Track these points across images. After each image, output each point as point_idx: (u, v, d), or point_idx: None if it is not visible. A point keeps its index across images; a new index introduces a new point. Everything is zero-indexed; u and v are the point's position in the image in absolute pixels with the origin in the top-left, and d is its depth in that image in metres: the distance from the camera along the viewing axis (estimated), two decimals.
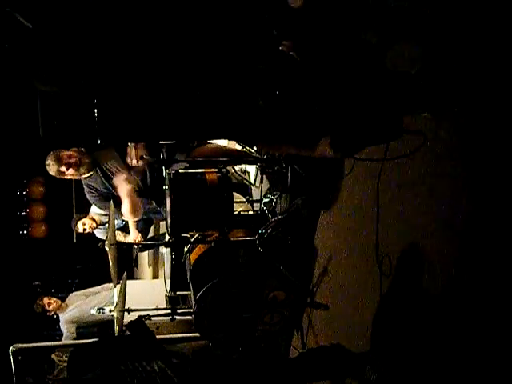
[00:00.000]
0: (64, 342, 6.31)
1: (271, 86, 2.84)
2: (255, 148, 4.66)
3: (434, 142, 3.01)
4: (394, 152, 3.30)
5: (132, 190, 4.92)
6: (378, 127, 2.99)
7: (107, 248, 4.69)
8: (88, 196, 5.36)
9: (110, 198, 5.06)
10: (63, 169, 4.95)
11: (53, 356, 5.35)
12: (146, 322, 4.74)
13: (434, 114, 2.95)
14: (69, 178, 5.13)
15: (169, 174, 4.17)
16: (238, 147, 4.91)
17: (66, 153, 4.92)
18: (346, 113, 2.90)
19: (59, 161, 4.93)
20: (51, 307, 6.85)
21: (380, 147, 3.36)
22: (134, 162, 4.84)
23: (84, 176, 5.09)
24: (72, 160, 4.95)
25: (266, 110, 2.83)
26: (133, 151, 4.83)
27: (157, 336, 4.94)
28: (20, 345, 5.28)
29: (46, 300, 6.88)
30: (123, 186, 4.88)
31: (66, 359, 5.12)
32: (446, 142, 2.93)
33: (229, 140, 4.89)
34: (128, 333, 3.59)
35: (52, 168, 4.97)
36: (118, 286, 4.90)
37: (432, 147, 3.03)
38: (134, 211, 5.11)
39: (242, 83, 2.87)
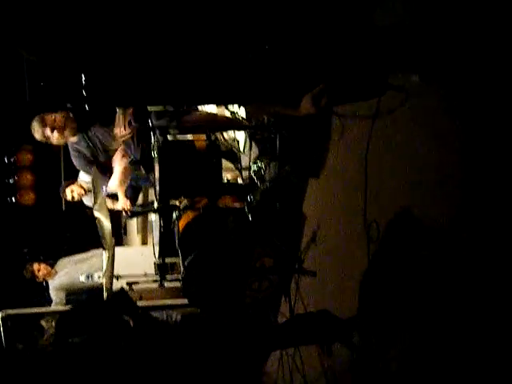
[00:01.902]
0: (53, 308, 6.31)
1: (260, 40, 2.83)
2: (244, 114, 4.63)
3: (420, 101, 3.00)
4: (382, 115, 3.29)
5: (127, 166, 4.92)
6: (363, 81, 2.98)
7: (96, 214, 4.68)
8: (74, 160, 5.34)
9: (95, 163, 5.05)
10: (48, 132, 4.93)
11: (42, 322, 5.36)
12: (131, 289, 4.78)
13: (423, 79, 2.94)
14: (55, 142, 5.11)
15: (157, 140, 4.15)
16: (227, 114, 4.87)
17: (51, 116, 4.88)
18: (332, 66, 2.90)
19: (44, 124, 4.91)
20: (40, 273, 6.84)
21: (368, 109, 3.35)
22: (123, 130, 4.81)
23: (70, 140, 5.07)
24: (57, 123, 4.92)
25: (255, 63, 2.81)
26: (121, 119, 4.80)
27: (145, 303, 4.98)
28: (9, 311, 5.29)
29: (35, 266, 6.86)
30: (121, 161, 4.89)
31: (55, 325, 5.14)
32: (432, 104, 2.92)
33: (218, 105, 4.86)
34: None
35: (37, 131, 4.95)
36: (107, 253, 4.89)
37: (417, 109, 3.02)
38: (121, 185, 5.14)
39: (231, 38, 2.84)
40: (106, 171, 5.20)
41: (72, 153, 5.25)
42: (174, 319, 3.96)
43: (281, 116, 4.06)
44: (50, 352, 3.57)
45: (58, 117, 4.90)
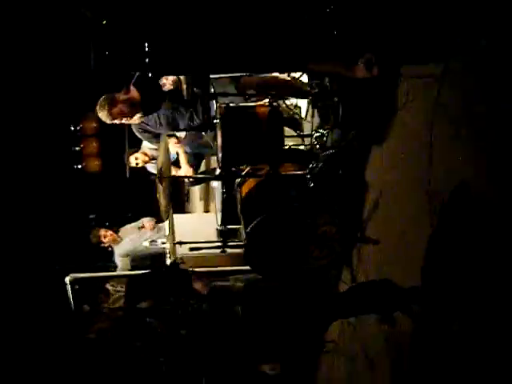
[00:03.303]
0: (118, 272, 6.47)
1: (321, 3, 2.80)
2: (306, 79, 4.59)
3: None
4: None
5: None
6: (429, 42, 2.92)
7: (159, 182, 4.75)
8: (138, 135, 5.42)
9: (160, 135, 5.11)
10: (116, 121, 5.00)
11: (107, 286, 5.50)
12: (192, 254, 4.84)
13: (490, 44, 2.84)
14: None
15: (219, 107, 4.15)
16: (288, 78, 4.84)
17: (117, 108, 4.91)
18: (392, 29, 2.85)
19: (110, 114, 4.96)
20: (106, 239, 7.01)
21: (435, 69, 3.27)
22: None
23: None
24: (123, 113, 4.98)
25: (313, 27, 2.79)
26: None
27: (204, 268, 5.04)
28: (76, 274, 5.45)
29: (102, 232, 7.03)
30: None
31: (121, 289, 5.27)
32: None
33: (281, 72, 4.82)
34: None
35: (104, 119, 5.02)
36: (169, 220, 4.97)
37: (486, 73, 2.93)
38: (183, 153, 5.25)
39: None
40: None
41: (135, 129, 5.32)
42: (236, 287, 4.00)
43: (338, 77, 4.00)
44: (120, 316, 3.67)
45: (123, 108, 4.93)
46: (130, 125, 5.31)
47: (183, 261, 4.71)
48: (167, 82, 5.36)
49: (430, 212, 3.41)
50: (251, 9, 2.88)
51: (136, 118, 5.04)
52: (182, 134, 5.61)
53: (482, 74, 2.97)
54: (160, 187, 4.52)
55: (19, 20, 7.10)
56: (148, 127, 5.21)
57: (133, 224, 7.27)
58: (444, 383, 3.16)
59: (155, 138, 5.27)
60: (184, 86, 4.79)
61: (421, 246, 3.49)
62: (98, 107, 4.97)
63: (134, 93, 4.93)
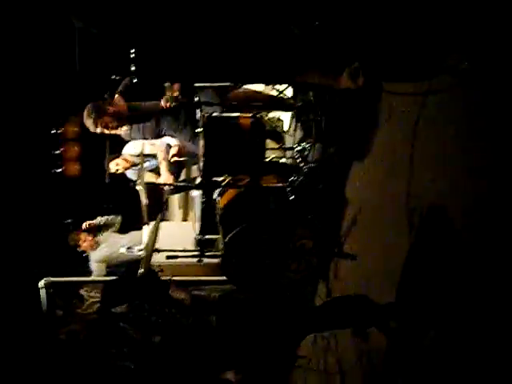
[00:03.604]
0: (93, 278, 6.42)
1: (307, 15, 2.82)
2: (290, 93, 4.62)
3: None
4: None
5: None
6: (413, 60, 2.95)
7: (138, 188, 4.73)
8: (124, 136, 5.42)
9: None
10: (100, 131, 5.00)
11: (81, 291, 5.46)
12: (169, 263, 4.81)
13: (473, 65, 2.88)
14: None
15: (202, 116, 4.15)
16: (274, 93, 4.87)
17: (103, 121, 4.92)
18: (376, 44, 2.87)
19: (95, 124, 4.96)
20: (85, 244, 6.93)
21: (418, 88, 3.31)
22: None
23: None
24: (109, 124, 4.98)
25: (301, 37, 2.81)
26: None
27: (182, 277, 5.02)
28: (51, 279, 5.40)
29: (82, 235, 6.95)
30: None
31: (95, 295, 5.23)
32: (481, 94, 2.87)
33: (266, 84, 4.85)
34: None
35: (89, 127, 5.02)
36: (148, 226, 4.94)
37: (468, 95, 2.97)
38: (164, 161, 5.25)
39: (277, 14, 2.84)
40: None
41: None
42: (212, 297, 3.99)
43: (322, 89, 4.03)
44: (93, 320, 3.65)
45: (110, 120, 4.94)
46: None
47: (162, 269, 4.69)
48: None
49: (408, 227, 3.44)
50: (239, 19, 2.89)
51: (121, 130, 5.05)
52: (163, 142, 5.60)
53: (464, 94, 3.01)
54: (142, 194, 4.53)
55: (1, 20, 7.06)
56: (132, 134, 5.22)
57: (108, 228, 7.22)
58: None
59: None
60: (168, 94, 4.80)
61: (399, 262, 3.50)
62: (84, 115, 4.97)
63: (119, 103, 4.93)
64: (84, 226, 7.02)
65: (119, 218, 7.26)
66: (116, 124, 4.97)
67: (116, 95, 5.01)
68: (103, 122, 4.96)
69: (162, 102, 4.95)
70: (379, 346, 3.57)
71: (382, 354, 3.55)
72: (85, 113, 4.98)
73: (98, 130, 5.01)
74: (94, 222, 7.09)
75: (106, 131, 5.02)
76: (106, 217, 7.19)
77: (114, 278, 5.14)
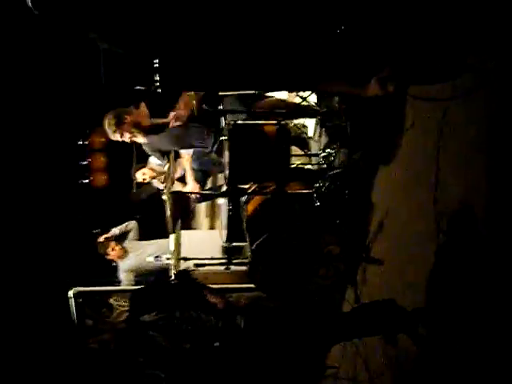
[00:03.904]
0: (122, 287, 6.47)
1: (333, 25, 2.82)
2: (315, 101, 4.62)
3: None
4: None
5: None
6: (438, 63, 2.92)
7: (165, 197, 4.77)
8: (149, 152, 5.47)
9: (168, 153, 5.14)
10: (118, 138, 5.06)
11: (111, 300, 5.50)
12: (197, 270, 4.83)
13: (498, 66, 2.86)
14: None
15: (227, 124, 4.18)
16: (298, 100, 4.87)
17: (123, 129, 4.97)
18: (404, 48, 2.86)
19: (117, 134, 5.02)
20: (114, 253, 6.98)
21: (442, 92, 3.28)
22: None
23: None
24: (129, 135, 5.04)
25: (327, 47, 2.81)
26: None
27: (211, 285, 5.04)
28: (80, 288, 5.44)
29: (112, 244, 6.99)
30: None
31: (124, 304, 5.27)
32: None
33: (290, 91, 4.86)
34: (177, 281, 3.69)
35: (110, 136, 5.08)
36: (174, 235, 4.97)
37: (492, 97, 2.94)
38: (190, 170, 5.28)
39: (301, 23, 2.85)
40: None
41: (145, 146, 5.37)
42: (241, 303, 4.00)
43: (348, 97, 4.02)
44: (122, 329, 3.66)
45: (129, 128, 4.99)
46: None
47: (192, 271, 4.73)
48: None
49: (436, 233, 3.41)
50: (262, 27, 2.90)
51: (140, 139, 5.09)
52: (189, 151, 5.63)
53: (489, 95, 2.98)
54: (168, 203, 4.55)
55: (30, 34, 7.17)
56: (156, 145, 5.25)
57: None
58: None
59: (164, 155, 5.30)
60: (193, 103, 4.83)
61: (426, 267, 3.48)
62: (105, 122, 5.02)
63: (142, 112, 4.98)
64: (100, 239, 7.07)
65: (133, 223, 7.30)
66: (135, 131, 5.02)
67: (142, 103, 5.06)
68: (123, 130, 5.02)
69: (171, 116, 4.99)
70: (408, 351, 3.55)
71: (411, 360, 3.52)
72: (105, 120, 5.04)
73: (118, 138, 5.07)
74: (108, 235, 7.14)
75: (126, 139, 5.07)
76: (119, 226, 7.24)
77: (142, 286, 5.17)
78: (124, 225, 7.24)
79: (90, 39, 3.09)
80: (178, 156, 5.48)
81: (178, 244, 4.83)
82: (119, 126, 5.00)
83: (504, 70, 2.84)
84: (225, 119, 4.37)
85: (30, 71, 8.27)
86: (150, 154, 5.61)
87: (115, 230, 7.17)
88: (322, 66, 3.02)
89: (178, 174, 5.76)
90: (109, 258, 7.04)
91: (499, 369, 2.76)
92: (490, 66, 2.90)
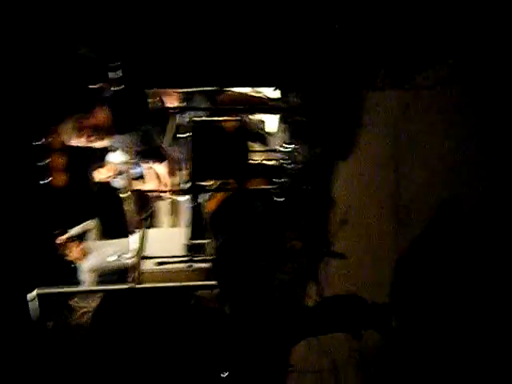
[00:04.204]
0: (84, 288, 6.38)
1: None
2: (277, 96, 4.62)
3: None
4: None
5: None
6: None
7: (123, 196, 4.72)
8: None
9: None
10: (79, 144, 4.98)
11: (71, 302, 5.41)
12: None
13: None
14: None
15: (188, 121, 4.15)
16: (259, 95, 4.87)
17: (82, 135, 4.89)
18: None
19: (77, 141, 4.94)
20: (74, 254, 6.87)
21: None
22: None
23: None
24: (90, 141, 4.95)
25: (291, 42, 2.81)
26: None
27: (174, 283, 5.00)
28: (41, 290, 5.35)
29: (74, 244, 6.88)
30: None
31: (85, 305, 5.19)
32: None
33: (253, 87, 4.85)
34: None
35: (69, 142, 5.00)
36: (137, 234, 4.92)
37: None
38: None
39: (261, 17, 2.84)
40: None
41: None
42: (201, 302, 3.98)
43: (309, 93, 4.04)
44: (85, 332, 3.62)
45: (89, 133, 4.90)
46: None
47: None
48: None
49: (397, 225, 3.44)
50: (225, 23, 2.89)
51: (99, 144, 5.00)
52: None
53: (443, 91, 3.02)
54: (128, 201, 4.51)
55: None
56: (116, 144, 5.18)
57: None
58: None
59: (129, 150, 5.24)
60: (152, 101, 4.78)
61: (389, 261, 3.51)
62: (64, 130, 4.93)
63: (100, 115, 4.89)
64: (58, 240, 6.96)
65: (94, 221, 7.21)
66: (96, 136, 4.93)
67: (96, 107, 4.97)
68: (82, 135, 4.92)
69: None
70: (372, 344, 3.57)
71: (376, 353, 3.55)
72: (64, 128, 4.94)
73: (79, 144, 4.98)
74: (67, 235, 7.03)
75: (87, 144, 4.98)
76: (78, 226, 7.14)
77: (99, 287, 5.12)
78: (83, 224, 7.14)
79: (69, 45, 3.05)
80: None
81: (140, 242, 4.78)
82: (79, 131, 4.92)
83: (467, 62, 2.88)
84: (188, 116, 4.33)
85: None
86: (114, 149, 5.51)
87: (74, 230, 7.07)
88: (285, 61, 3.02)
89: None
90: (69, 259, 6.94)
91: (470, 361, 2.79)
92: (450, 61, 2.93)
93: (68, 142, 4.98)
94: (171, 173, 5.39)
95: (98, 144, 5.01)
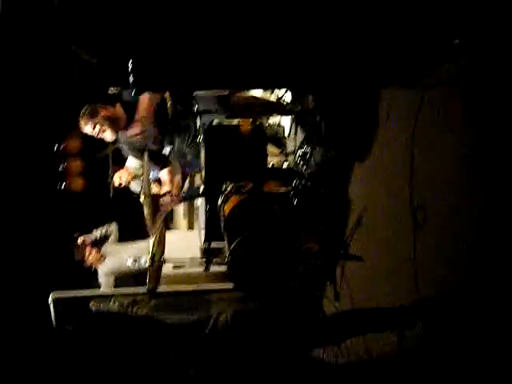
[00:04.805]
0: (102, 291, 6.41)
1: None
2: (290, 97, 4.63)
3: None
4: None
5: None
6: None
7: (142, 200, 4.75)
8: (122, 150, 5.43)
9: (144, 150, 5.10)
10: (90, 131, 5.05)
11: (91, 305, 5.44)
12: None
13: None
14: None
15: (203, 125, 4.17)
16: (272, 98, 4.88)
17: (95, 122, 4.97)
18: None
19: (89, 126, 5.01)
20: (90, 258, 6.91)
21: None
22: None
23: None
24: (100, 129, 5.02)
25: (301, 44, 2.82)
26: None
27: (189, 286, 5.01)
28: (59, 293, 5.39)
29: (88, 249, 6.91)
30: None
31: (103, 308, 5.22)
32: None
33: (265, 89, 4.86)
34: None
35: (86, 130, 5.07)
36: (153, 237, 4.94)
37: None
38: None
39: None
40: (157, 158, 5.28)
41: (120, 144, 5.34)
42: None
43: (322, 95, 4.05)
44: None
45: (102, 121, 4.98)
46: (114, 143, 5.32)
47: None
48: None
49: (414, 226, 3.43)
50: (235, 25, 2.90)
51: (109, 135, 5.06)
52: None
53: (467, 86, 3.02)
54: (146, 205, 4.53)
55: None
56: (134, 144, 5.22)
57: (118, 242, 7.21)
58: None
59: (139, 151, 5.28)
60: (168, 104, 4.81)
61: (406, 261, 3.50)
62: (80, 114, 5.03)
63: (118, 110, 4.96)
64: (79, 241, 7.00)
65: (114, 225, 7.25)
66: (107, 126, 5.01)
67: (117, 103, 5.05)
68: (95, 122, 5.01)
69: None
70: (393, 347, 3.56)
71: (396, 355, 3.54)
72: (81, 112, 5.05)
73: (90, 130, 5.06)
74: (89, 236, 7.07)
75: (96, 133, 5.06)
76: (100, 228, 7.19)
77: (119, 289, 5.15)
78: (104, 228, 7.18)
79: (69, 50, 3.08)
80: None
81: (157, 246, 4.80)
82: (93, 117, 4.99)
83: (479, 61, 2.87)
84: (200, 120, 4.36)
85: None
86: (127, 154, 5.55)
87: (97, 232, 7.12)
88: (297, 64, 3.03)
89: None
90: (86, 263, 6.97)
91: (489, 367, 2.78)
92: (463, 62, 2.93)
93: (83, 128, 5.06)
94: (172, 180, 5.43)
95: (107, 135, 5.07)
